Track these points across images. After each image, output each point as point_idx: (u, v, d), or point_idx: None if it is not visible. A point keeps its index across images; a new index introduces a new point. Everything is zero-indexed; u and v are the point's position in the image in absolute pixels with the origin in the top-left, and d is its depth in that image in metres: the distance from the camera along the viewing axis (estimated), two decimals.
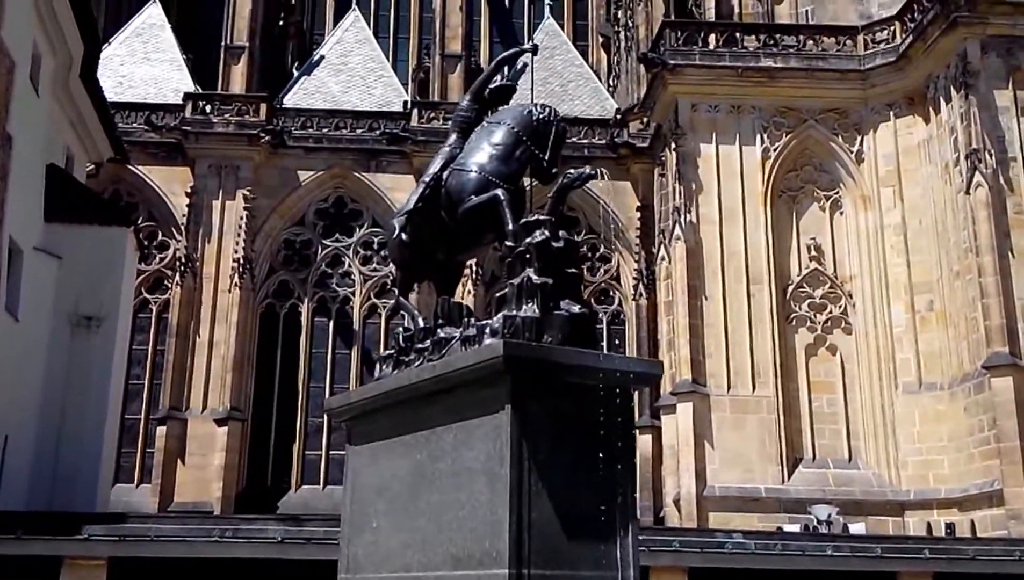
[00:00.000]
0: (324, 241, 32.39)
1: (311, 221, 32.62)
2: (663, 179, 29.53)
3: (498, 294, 6.24)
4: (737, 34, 29.23)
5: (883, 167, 28.20)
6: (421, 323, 7.09)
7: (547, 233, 6.14)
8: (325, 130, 32.53)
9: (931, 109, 27.36)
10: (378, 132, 32.35)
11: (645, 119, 31.65)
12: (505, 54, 8.99)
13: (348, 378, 31.39)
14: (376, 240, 31.92)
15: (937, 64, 26.95)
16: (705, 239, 27.52)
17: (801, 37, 29.11)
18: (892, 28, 28.52)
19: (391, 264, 9.21)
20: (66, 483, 18.78)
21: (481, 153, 7.25)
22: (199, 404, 30.19)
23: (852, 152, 28.54)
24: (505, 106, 8.07)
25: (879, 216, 27.93)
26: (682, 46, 28.71)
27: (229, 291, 30.76)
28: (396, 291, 8.24)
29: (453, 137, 7.87)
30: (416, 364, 6.56)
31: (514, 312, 5.92)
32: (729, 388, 26.52)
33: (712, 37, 29.07)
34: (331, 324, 32.15)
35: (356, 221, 32.64)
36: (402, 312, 7.96)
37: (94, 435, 19.72)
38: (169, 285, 31.35)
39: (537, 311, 5.84)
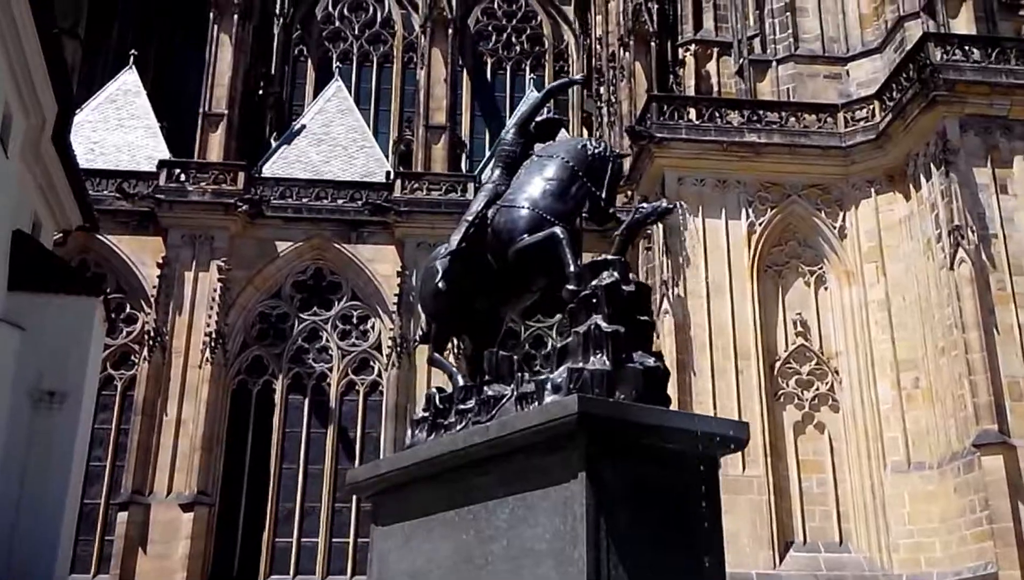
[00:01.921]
0: (301, 315, 31.57)
1: (288, 294, 31.81)
2: (649, 253, 29.29)
3: (560, 345, 5.51)
4: (722, 109, 29.34)
5: (865, 243, 28.22)
6: (461, 381, 6.34)
7: (617, 275, 5.44)
8: (305, 200, 31.98)
9: (911, 186, 27.52)
10: (360, 202, 31.85)
11: (630, 192, 31.48)
12: (553, 85, 8.49)
13: (323, 459, 30.33)
14: (355, 314, 31.20)
15: (916, 142, 27.21)
16: (693, 313, 27.15)
17: (783, 114, 29.29)
18: (871, 106, 28.85)
19: (422, 315, 8.24)
20: (19, 576, 17.56)
21: (533, 188, 6.58)
22: (164, 488, 28.87)
23: (835, 228, 28.55)
24: (553, 141, 7.47)
25: (863, 292, 27.86)
26: (668, 120, 28.73)
27: (200, 367, 29.73)
28: (429, 346, 7.41)
29: (497, 173, 7.22)
30: (459, 427, 5.80)
31: (580, 364, 5.16)
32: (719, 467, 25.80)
33: (697, 112, 29.09)
34: (306, 402, 31.15)
35: (335, 294, 31.89)
36: (435, 369, 7.16)
37: (51, 523, 18.48)
38: (136, 360, 30.27)
39: (608, 363, 5.11)
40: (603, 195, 6.61)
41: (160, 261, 30.50)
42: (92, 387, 21.32)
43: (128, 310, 30.90)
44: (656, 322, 27.32)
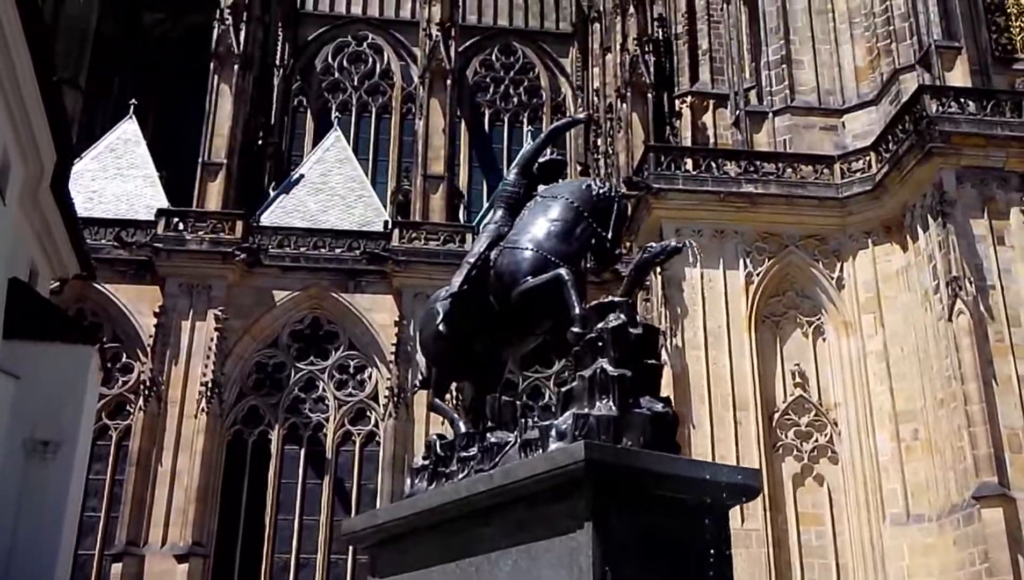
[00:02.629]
0: (298, 364, 31.43)
1: (285, 343, 31.69)
2: (648, 303, 29.23)
3: (565, 389, 5.40)
4: (719, 160, 29.44)
5: (863, 294, 28.15)
6: (463, 427, 6.20)
7: (624, 317, 5.34)
8: (303, 249, 32.01)
9: (908, 237, 27.53)
10: (358, 252, 31.87)
11: (628, 243, 31.51)
12: (556, 125, 8.42)
13: (319, 510, 30.02)
14: (352, 363, 31.06)
15: (913, 193, 27.26)
16: (691, 364, 27.00)
17: (780, 165, 29.36)
18: (868, 158, 28.93)
19: (421, 360, 7.99)
20: None
21: (537, 229, 6.46)
22: (158, 539, 28.55)
23: (833, 278, 28.51)
24: (557, 182, 7.39)
25: (861, 343, 27.77)
26: (665, 170, 28.81)
27: (195, 417, 29.52)
28: (428, 391, 7.26)
29: (499, 213, 7.12)
30: (461, 475, 5.67)
31: (586, 410, 5.05)
32: None
33: (694, 162, 29.21)
34: (302, 452, 30.91)
35: (332, 343, 31.78)
36: (438, 416, 7.00)
37: (44, 574, 18.16)
38: (131, 410, 30.07)
39: (614, 409, 5.00)
40: (609, 236, 6.51)
41: (157, 310, 30.41)
42: (87, 437, 21.11)
43: (124, 359, 30.76)
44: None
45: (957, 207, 25.93)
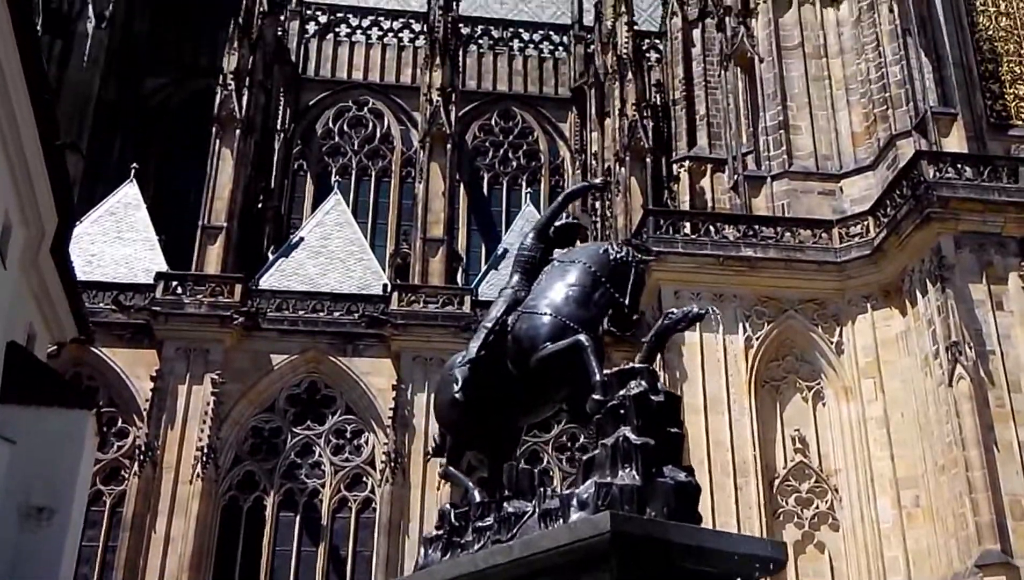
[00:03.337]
0: (294, 429, 31.10)
1: (282, 407, 31.41)
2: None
3: (586, 458, 5.28)
4: (717, 224, 29.62)
5: (863, 358, 28.14)
6: (478, 497, 6.06)
7: (645, 384, 5.26)
8: (301, 312, 31.89)
9: (907, 301, 27.58)
10: (356, 315, 31.79)
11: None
12: (572, 189, 8.43)
13: (314, 578, 29.55)
14: (349, 428, 30.84)
15: (911, 258, 27.36)
16: (691, 429, 26.71)
17: (779, 229, 29.52)
18: (866, 222, 29.11)
19: (437, 427, 7.86)
20: None
21: (555, 294, 6.39)
22: None
23: (832, 343, 28.51)
24: (573, 246, 7.33)
25: (861, 408, 27.70)
26: (664, 234, 28.91)
27: (190, 482, 29.13)
28: (443, 459, 7.10)
29: (516, 278, 7.04)
30: (477, 546, 5.54)
31: (609, 479, 4.93)
32: None
33: (693, 226, 29.30)
34: (297, 519, 30.44)
35: (329, 408, 31.51)
36: (450, 482, 6.85)
37: None
38: (126, 475, 29.66)
39: (638, 478, 4.88)
40: (627, 301, 6.43)
41: (154, 374, 30.19)
42: (81, 503, 20.80)
43: (120, 424, 30.44)
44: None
45: (956, 272, 26.04)
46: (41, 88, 17.57)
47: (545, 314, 6.37)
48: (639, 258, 6.66)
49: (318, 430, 31.16)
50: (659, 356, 27.10)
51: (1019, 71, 31.68)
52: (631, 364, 5.57)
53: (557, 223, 7.79)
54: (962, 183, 26.80)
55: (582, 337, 5.97)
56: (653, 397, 5.23)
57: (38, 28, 29.58)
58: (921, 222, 26.61)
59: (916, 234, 26.86)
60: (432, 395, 25.96)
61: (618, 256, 6.64)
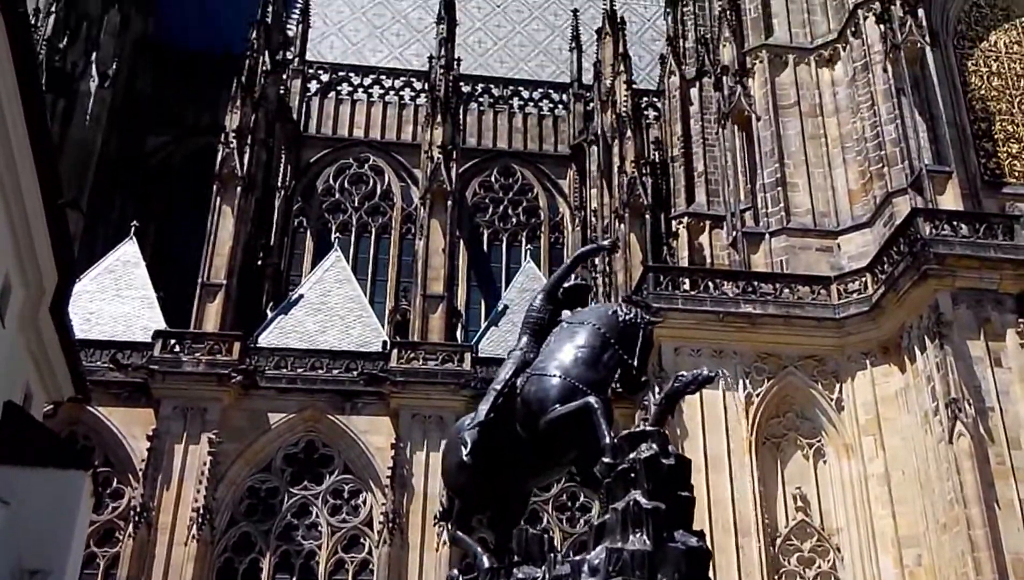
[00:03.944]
0: (291, 489, 30.82)
1: (279, 467, 31.17)
2: (646, 424, 28.92)
3: (597, 523, 5.22)
4: (716, 280, 29.67)
5: (863, 415, 28.07)
6: (487, 562, 5.96)
7: (656, 447, 5.22)
8: (300, 370, 31.80)
9: (906, 358, 27.58)
10: (355, 372, 31.70)
11: None
12: (581, 251, 8.47)
13: None
14: (347, 488, 30.59)
15: (910, 314, 27.41)
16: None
17: (778, 285, 29.59)
18: (864, 279, 29.20)
19: (442, 488, 7.68)
20: None
21: (564, 356, 6.39)
22: None
23: (832, 399, 28.46)
24: (583, 307, 7.31)
25: (862, 465, 27.59)
26: (663, 290, 28.95)
27: (185, 544, 28.77)
28: (449, 524, 6.99)
29: (524, 339, 7.04)
30: None
31: (619, 544, 4.89)
32: None
33: (692, 282, 29.34)
34: None
35: (326, 467, 31.26)
36: (459, 547, 6.73)
37: None
38: (120, 537, 29.29)
39: (648, 543, 4.84)
40: (635, 363, 6.40)
41: (150, 433, 30.03)
42: (75, 566, 20.59)
43: (115, 485, 30.16)
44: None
45: (954, 329, 26.09)
46: (45, 148, 17.72)
47: (554, 376, 6.37)
48: (647, 320, 6.69)
49: (315, 490, 30.90)
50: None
51: (1012, 130, 32.03)
52: (642, 427, 5.53)
53: (566, 284, 7.80)
54: (958, 240, 26.94)
55: (592, 399, 5.96)
56: (664, 460, 5.21)
57: (42, 86, 29.87)
58: (918, 279, 26.71)
59: (914, 291, 26.94)
60: (431, 454, 25.76)
61: (627, 318, 6.66)
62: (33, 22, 37.66)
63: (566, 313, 7.79)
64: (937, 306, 26.34)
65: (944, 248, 26.62)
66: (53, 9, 40.43)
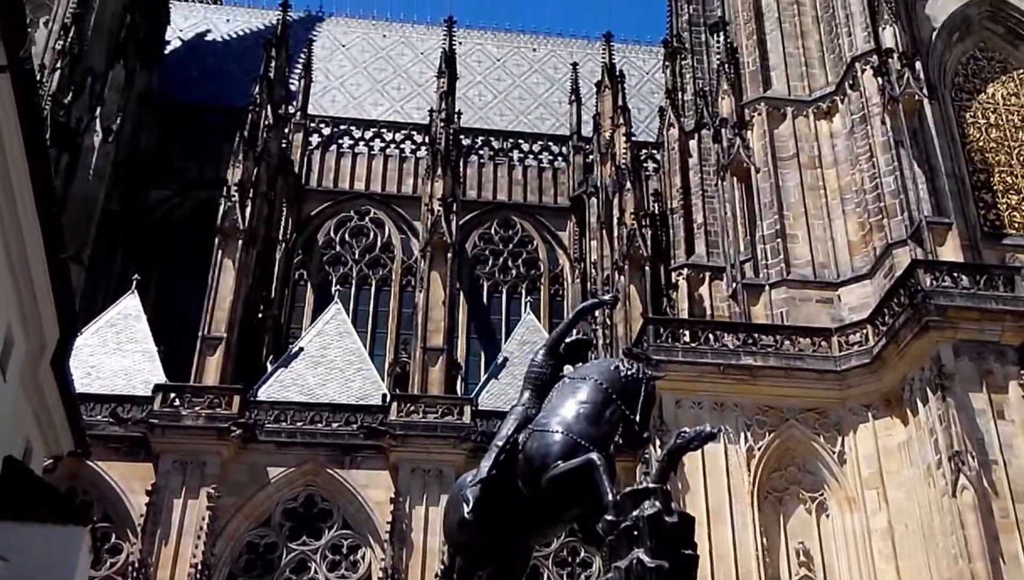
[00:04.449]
0: (290, 544, 30.41)
1: (278, 522, 30.82)
2: (647, 477, 28.72)
3: None
4: (717, 332, 29.62)
5: (865, 469, 27.89)
6: None
7: (659, 505, 5.17)
8: (299, 423, 31.60)
9: (908, 410, 27.47)
10: (355, 426, 31.50)
11: None
12: (583, 305, 8.50)
13: None
14: (346, 543, 30.26)
15: (911, 366, 27.34)
16: None
17: (778, 337, 29.51)
18: (865, 331, 29.15)
19: (445, 548, 7.63)
20: None
21: (566, 411, 6.39)
22: None
23: (834, 452, 28.29)
24: (585, 362, 7.31)
25: (865, 519, 27.39)
26: (664, 342, 28.91)
27: None
28: None
29: (526, 395, 7.04)
30: None
31: None
32: None
33: (692, 334, 29.30)
34: None
35: (325, 522, 30.92)
36: None
37: None
38: None
39: None
40: (637, 419, 6.39)
41: (149, 488, 29.76)
42: None
43: (113, 540, 29.77)
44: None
45: (956, 381, 26.01)
46: (49, 203, 17.82)
47: (556, 432, 6.36)
48: (650, 375, 6.70)
49: (314, 545, 30.55)
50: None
51: (1011, 181, 32.23)
52: (644, 483, 5.50)
53: (567, 339, 7.82)
54: (959, 292, 26.95)
55: (594, 456, 5.94)
56: (667, 518, 5.16)
57: (47, 142, 30.11)
58: (919, 331, 26.68)
59: (915, 343, 26.91)
60: (430, 508, 25.50)
61: (629, 373, 6.67)
62: (39, 78, 38.05)
63: (568, 368, 7.81)
64: (939, 358, 26.28)
65: (945, 300, 26.63)
66: (58, 65, 40.78)
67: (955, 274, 27.32)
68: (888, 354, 27.84)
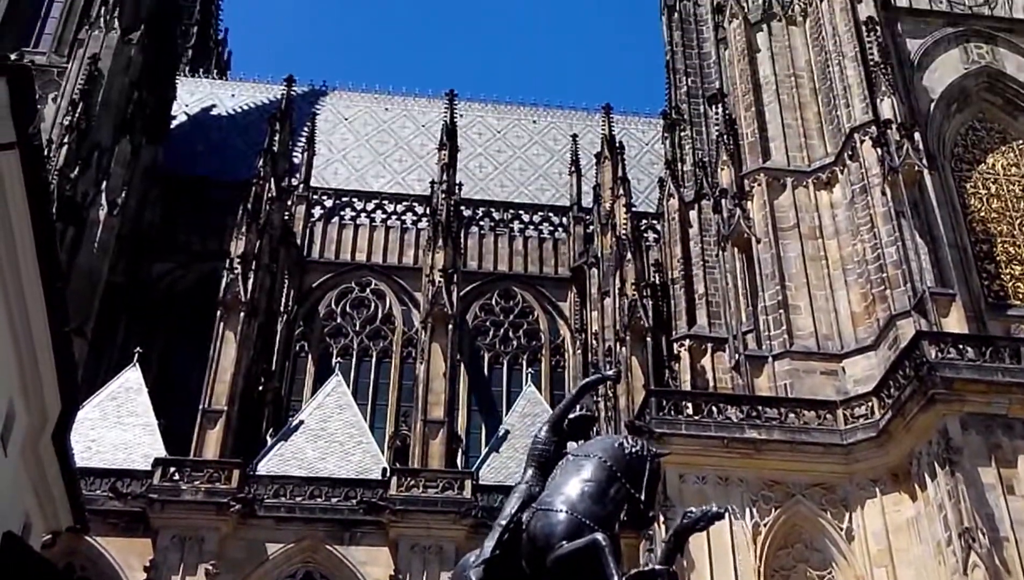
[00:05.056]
0: None
1: None
2: (651, 554, 28.23)
3: None
4: (720, 404, 29.19)
5: (874, 546, 27.32)
6: None
7: None
8: (299, 498, 31.29)
9: (917, 486, 27.01)
10: (355, 501, 31.19)
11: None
12: (587, 381, 8.41)
13: None
14: None
15: (918, 440, 26.93)
16: None
17: (783, 410, 29.10)
18: (870, 403, 28.73)
19: None
20: None
21: (570, 490, 6.27)
22: None
23: (842, 529, 27.71)
24: (589, 439, 7.19)
25: None
26: (667, 415, 28.55)
27: None
28: None
29: (530, 472, 6.91)
30: None
31: None
32: None
33: (695, 407, 28.95)
34: None
35: None
36: None
37: None
38: None
39: None
40: (643, 497, 6.27)
41: (147, 564, 29.40)
42: None
43: None
44: None
45: (964, 455, 25.58)
46: (54, 277, 17.86)
47: (561, 511, 6.25)
48: (654, 452, 6.60)
49: None
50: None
51: (1014, 252, 32.20)
52: (650, 565, 5.36)
53: (571, 415, 7.73)
54: (965, 364, 26.65)
55: (599, 536, 5.83)
56: None
57: (54, 216, 30.23)
58: (926, 404, 26.33)
59: (921, 416, 26.53)
60: None
61: (633, 450, 6.58)
62: (46, 153, 38.42)
63: (572, 445, 7.72)
64: (946, 432, 25.86)
65: (951, 372, 26.34)
66: (66, 140, 41.24)
67: (960, 346, 27.07)
68: (895, 427, 27.45)
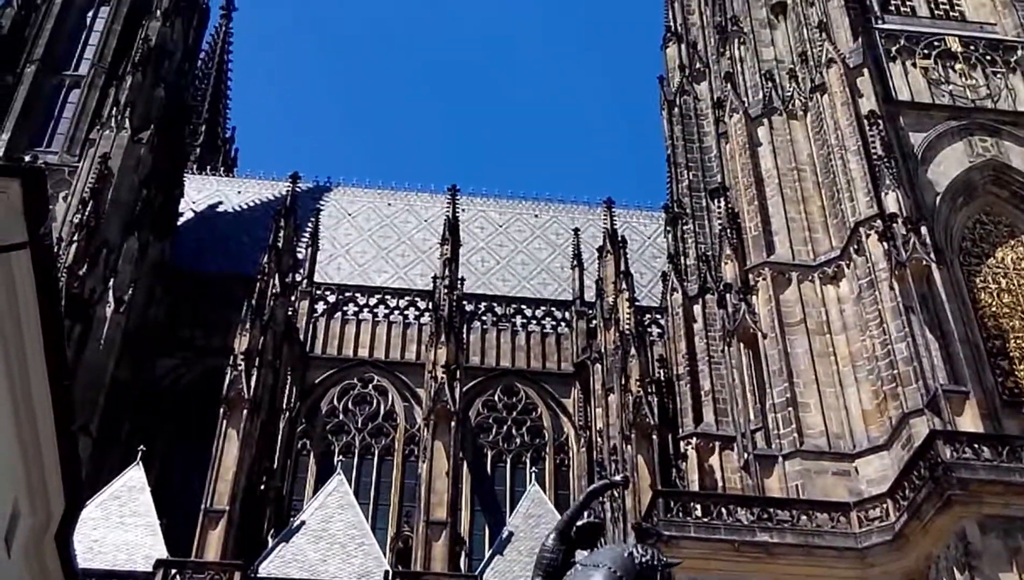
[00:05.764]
0: None
1: None
2: None
3: None
4: (730, 506, 28.47)
5: None
6: None
7: None
8: None
9: None
10: None
11: None
12: (594, 487, 8.15)
13: None
14: None
15: (936, 544, 26.16)
16: None
17: (795, 512, 28.36)
18: (885, 505, 28.01)
19: None
20: None
21: None
22: None
23: None
24: (598, 547, 6.91)
25: None
26: (675, 516, 27.84)
27: None
28: None
29: None
30: None
31: None
32: None
33: (704, 508, 28.26)
34: None
35: None
36: None
37: None
38: None
39: None
40: None
41: None
42: None
43: None
44: None
45: (983, 560, 24.85)
46: (62, 377, 17.61)
47: None
48: (665, 562, 6.32)
49: None
50: None
51: None
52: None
53: (579, 522, 7.45)
54: (981, 464, 26.08)
55: None
56: None
57: (62, 314, 30.08)
58: (943, 506, 25.64)
59: (938, 518, 25.82)
60: None
61: (643, 559, 6.34)
62: (55, 250, 38.52)
63: (580, 553, 7.43)
64: (964, 535, 25.17)
65: (967, 472, 25.77)
66: (75, 238, 41.54)
67: (976, 445, 26.51)
68: (911, 531, 26.69)
